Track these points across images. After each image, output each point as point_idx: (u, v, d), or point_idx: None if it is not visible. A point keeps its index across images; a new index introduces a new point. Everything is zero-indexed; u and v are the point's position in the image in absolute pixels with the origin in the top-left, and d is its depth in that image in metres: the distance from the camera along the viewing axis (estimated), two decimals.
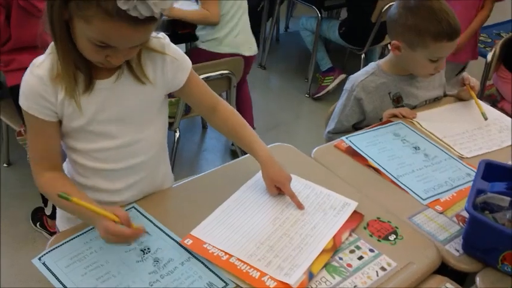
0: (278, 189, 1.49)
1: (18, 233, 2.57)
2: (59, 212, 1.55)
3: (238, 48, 2.95)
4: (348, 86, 2.05)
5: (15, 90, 2.30)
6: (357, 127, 2.07)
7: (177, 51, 1.40)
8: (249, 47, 3.02)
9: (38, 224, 2.57)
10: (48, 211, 2.49)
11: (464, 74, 2.11)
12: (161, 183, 1.52)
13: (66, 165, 1.46)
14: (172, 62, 1.37)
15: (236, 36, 2.94)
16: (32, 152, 1.35)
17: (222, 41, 2.91)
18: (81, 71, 1.25)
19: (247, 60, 2.98)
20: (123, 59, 1.24)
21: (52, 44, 1.25)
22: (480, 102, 2.07)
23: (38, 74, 1.24)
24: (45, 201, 2.49)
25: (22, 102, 1.26)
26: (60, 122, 1.31)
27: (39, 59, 1.26)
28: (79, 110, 1.27)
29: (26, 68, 2.24)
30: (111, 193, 1.42)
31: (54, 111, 1.27)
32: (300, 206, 1.46)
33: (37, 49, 2.23)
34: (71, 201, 1.17)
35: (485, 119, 1.96)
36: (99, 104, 1.29)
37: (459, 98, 2.14)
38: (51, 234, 2.50)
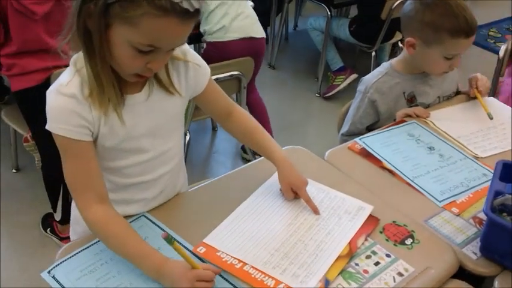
0: (294, 193, 1.47)
1: (29, 238, 2.56)
2: (72, 224, 1.52)
3: (246, 31, 2.87)
4: (361, 87, 2.02)
5: (19, 95, 2.32)
6: (370, 128, 2.05)
7: (197, 56, 1.38)
8: (257, 29, 2.94)
9: (48, 230, 2.56)
10: (57, 217, 2.49)
11: (477, 75, 2.07)
12: (180, 188, 1.51)
13: None
14: (194, 68, 1.36)
15: (242, 20, 2.86)
16: (72, 181, 1.25)
17: (229, 27, 2.84)
18: (113, 86, 1.19)
19: (258, 46, 2.93)
20: (162, 65, 1.21)
21: (76, 60, 1.20)
22: (490, 99, 2.06)
23: (69, 92, 1.17)
24: (54, 207, 2.47)
25: (52, 126, 1.19)
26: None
27: (64, 79, 1.19)
28: (121, 124, 1.23)
29: (28, 73, 2.24)
30: (139, 204, 1.41)
31: (90, 130, 1.22)
32: (315, 211, 1.43)
33: (40, 53, 2.24)
34: (173, 246, 1.14)
35: (491, 118, 1.93)
36: (132, 120, 1.26)
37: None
38: (62, 239, 2.51)
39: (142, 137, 1.30)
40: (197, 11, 1.09)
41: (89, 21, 1.10)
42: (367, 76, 2.05)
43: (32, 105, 2.34)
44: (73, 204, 1.47)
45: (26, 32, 2.19)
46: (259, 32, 2.96)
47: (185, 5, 1.05)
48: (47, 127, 1.20)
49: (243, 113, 1.53)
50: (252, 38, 2.89)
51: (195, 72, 1.36)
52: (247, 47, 2.83)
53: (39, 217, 2.62)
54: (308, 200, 1.45)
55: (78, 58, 1.20)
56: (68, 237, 2.48)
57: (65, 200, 2.45)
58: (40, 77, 2.26)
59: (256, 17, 2.97)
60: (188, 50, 1.36)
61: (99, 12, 1.07)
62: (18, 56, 2.25)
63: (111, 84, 1.18)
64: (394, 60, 2.05)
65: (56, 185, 2.45)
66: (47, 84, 2.25)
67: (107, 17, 1.08)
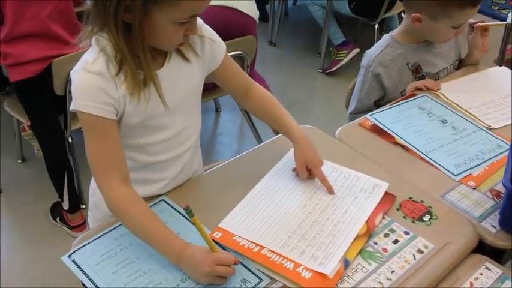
0: (308, 171, 1.44)
1: (39, 228, 2.55)
2: (91, 210, 1.51)
3: (232, 2, 2.59)
4: (364, 62, 2.00)
5: (16, 85, 2.30)
6: (378, 104, 2.02)
7: (212, 32, 1.40)
8: (247, 6, 2.68)
9: (57, 219, 2.55)
10: (65, 206, 2.47)
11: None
12: (196, 168, 1.51)
13: None
14: (210, 43, 1.38)
15: None
16: (95, 160, 1.24)
17: None
18: (140, 65, 1.21)
19: (244, 22, 2.67)
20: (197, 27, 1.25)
21: (98, 39, 1.20)
22: (500, 68, 2.08)
23: (96, 69, 1.18)
24: (61, 196, 2.46)
25: (78, 103, 1.19)
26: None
27: (89, 57, 1.20)
28: (157, 90, 1.25)
29: (22, 63, 2.21)
30: (161, 183, 1.40)
31: (115, 108, 1.22)
32: (330, 190, 1.41)
33: (35, 39, 2.20)
34: (192, 219, 1.14)
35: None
36: (156, 97, 1.26)
37: (468, 61, 2.10)
38: (72, 228, 2.50)
39: (165, 113, 1.30)
40: None
41: (126, 15, 1.13)
42: (369, 50, 2.02)
43: (30, 95, 2.33)
44: (91, 190, 1.46)
45: (25, 13, 2.15)
46: (249, 9, 2.70)
47: None
48: (72, 107, 1.20)
49: (262, 90, 1.53)
50: (237, 11, 2.62)
51: (210, 46, 1.38)
52: (229, 20, 2.57)
53: (47, 207, 2.61)
54: (323, 179, 1.43)
55: (99, 37, 1.21)
56: (78, 226, 2.50)
57: (70, 189, 2.44)
58: (36, 67, 2.23)
59: None
60: (203, 24, 1.36)
61: (140, 5, 1.11)
62: (12, 43, 2.21)
63: (148, 63, 1.21)
64: (394, 32, 2.02)
65: (59, 174, 2.44)
66: (45, 74, 2.22)
67: (146, 7, 1.12)
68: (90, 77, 1.18)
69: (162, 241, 1.20)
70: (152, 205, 1.36)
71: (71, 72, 1.21)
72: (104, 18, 1.15)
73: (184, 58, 1.32)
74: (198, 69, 1.37)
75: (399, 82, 1.97)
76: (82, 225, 2.50)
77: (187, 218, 1.30)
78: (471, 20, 2.03)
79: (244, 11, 2.67)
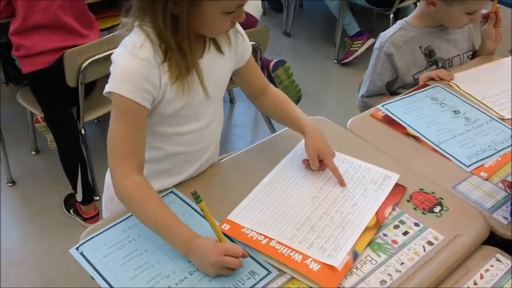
0: (320, 163, 1.43)
1: (52, 220, 2.57)
2: (106, 203, 1.51)
3: None
4: (377, 44, 2.01)
5: (29, 77, 2.31)
6: (391, 90, 2.01)
7: (241, 28, 1.42)
8: (252, 6, 2.74)
9: (71, 211, 2.56)
10: (79, 197, 2.48)
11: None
12: (215, 159, 1.53)
13: None
14: (241, 39, 1.41)
15: None
16: (117, 144, 1.23)
17: None
18: (185, 54, 1.23)
19: (251, 25, 2.68)
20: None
21: (142, 25, 1.21)
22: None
23: (143, 55, 1.18)
24: (74, 187, 2.48)
25: (117, 86, 1.19)
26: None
27: (136, 42, 1.19)
28: (200, 82, 1.28)
29: (34, 55, 2.22)
30: (181, 176, 1.41)
31: (153, 96, 1.23)
32: (341, 182, 1.40)
33: (48, 31, 2.21)
34: (199, 204, 1.14)
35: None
36: (195, 86, 1.28)
37: (483, 52, 2.08)
38: (85, 220, 2.51)
39: (200, 103, 1.32)
40: None
41: (175, 8, 1.15)
42: (383, 33, 2.02)
43: (43, 87, 2.33)
44: (106, 183, 1.46)
45: (37, 3, 2.16)
46: (253, 9, 2.76)
47: None
48: (108, 89, 1.20)
49: (275, 90, 1.56)
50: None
51: (242, 42, 1.41)
52: None
53: (61, 198, 2.63)
54: (334, 169, 1.41)
55: (142, 25, 1.21)
56: (92, 217, 2.51)
57: (84, 180, 2.45)
58: (48, 59, 2.24)
59: None
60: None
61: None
62: (24, 34, 2.22)
63: (193, 53, 1.24)
64: (409, 17, 2.02)
65: (73, 166, 2.45)
66: (57, 66, 2.22)
67: (194, 1, 1.14)
68: (137, 62, 1.18)
69: (171, 231, 1.19)
70: (161, 197, 1.35)
71: (113, 56, 1.21)
72: (150, 12, 1.17)
73: (220, 51, 1.34)
74: (230, 62, 1.39)
75: (412, 65, 1.97)
76: (95, 217, 2.51)
77: (196, 211, 1.31)
78: (484, 11, 2.01)
79: (248, 11, 2.66)
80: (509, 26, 2.99)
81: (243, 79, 1.50)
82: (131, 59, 1.18)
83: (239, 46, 1.40)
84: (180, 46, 1.20)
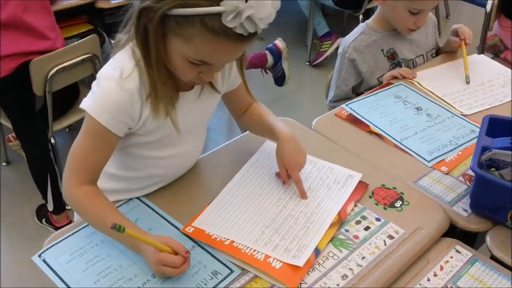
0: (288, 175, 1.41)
1: (25, 231, 2.56)
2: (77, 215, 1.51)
3: None
4: (340, 49, 2.03)
5: None
6: (357, 92, 2.03)
7: None
8: None
9: (43, 221, 2.55)
10: (50, 207, 2.47)
11: (460, 26, 2.04)
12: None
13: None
14: (236, 65, 1.34)
15: None
16: (77, 160, 1.23)
17: None
18: (168, 85, 1.19)
19: None
20: (214, 75, 1.21)
21: (135, 50, 1.16)
22: (479, 56, 2.05)
23: (129, 88, 1.15)
24: (45, 197, 2.46)
25: (97, 111, 1.16)
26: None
27: (125, 67, 1.16)
28: (174, 125, 1.22)
29: None
30: (154, 187, 1.41)
31: (130, 127, 1.22)
32: (303, 195, 1.38)
33: (14, 29, 2.07)
34: (123, 233, 1.08)
35: (467, 82, 1.91)
36: (183, 116, 1.26)
37: (447, 48, 2.11)
38: (57, 229, 2.47)
39: (186, 131, 1.30)
40: (253, 33, 1.05)
41: (148, 26, 1.08)
42: (344, 38, 2.05)
43: (6, 97, 2.26)
44: None
45: None
46: None
47: (239, 30, 1.02)
48: (85, 107, 1.18)
49: (254, 105, 1.52)
50: None
51: (234, 70, 1.35)
52: None
53: (32, 209, 2.62)
54: (297, 182, 1.38)
55: (135, 48, 1.17)
56: (64, 226, 2.48)
57: (54, 190, 2.43)
58: (7, 66, 2.15)
59: None
60: None
61: (157, 22, 1.06)
62: None
63: (166, 85, 1.18)
64: (369, 20, 2.05)
65: (42, 175, 2.43)
66: (19, 73, 2.14)
67: (164, 27, 1.07)
68: (120, 93, 1.15)
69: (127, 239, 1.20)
70: (124, 202, 1.37)
71: (100, 75, 1.18)
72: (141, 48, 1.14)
73: (214, 88, 1.32)
74: (220, 94, 1.38)
75: (375, 68, 1.99)
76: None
77: (160, 214, 1.32)
78: (466, 29, 2.02)
79: None
80: (478, 24, 3.05)
81: (230, 99, 1.48)
82: (115, 88, 1.15)
83: (232, 74, 1.36)
84: (158, 87, 1.17)
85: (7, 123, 2.47)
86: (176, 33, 1.06)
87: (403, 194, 1.40)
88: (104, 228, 1.21)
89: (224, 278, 1.17)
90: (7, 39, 2.13)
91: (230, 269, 1.19)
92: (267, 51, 3.20)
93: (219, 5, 0.99)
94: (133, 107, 1.18)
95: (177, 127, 1.23)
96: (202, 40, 1.05)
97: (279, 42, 3.21)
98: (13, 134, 2.40)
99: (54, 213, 2.49)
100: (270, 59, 3.19)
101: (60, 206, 2.48)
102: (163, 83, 1.17)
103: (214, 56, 1.10)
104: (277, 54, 3.18)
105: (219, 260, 1.21)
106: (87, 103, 1.18)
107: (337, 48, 3.76)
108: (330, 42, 3.87)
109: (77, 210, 1.28)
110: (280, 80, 3.25)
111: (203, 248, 1.24)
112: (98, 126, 1.17)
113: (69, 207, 2.55)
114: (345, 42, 2.01)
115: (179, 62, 1.12)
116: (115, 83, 1.15)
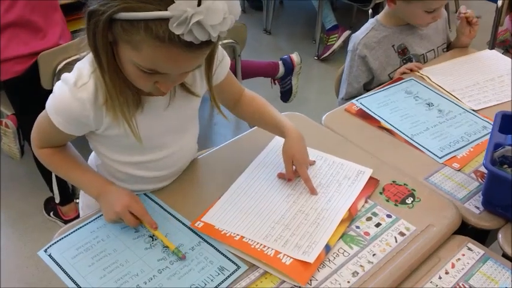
0: (295, 172, 1.40)
1: (34, 224, 2.55)
2: (81, 200, 1.52)
3: None
4: (350, 46, 2.02)
5: (4, 84, 2.18)
6: (368, 89, 2.02)
7: (220, 50, 1.29)
8: None
9: (51, 214, 2.54)
10: (57, 199, 2.46)
11: (462, 7, 2.05)
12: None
13: (99, 167, 1.39)
14: (216, 64, 1.25)
15: None
16: (40, 131, 1.25)
17: None
18: (131, 89, 1.13)
19: None
20: (172, 86, 1.15)
21: (93, 59, 1.09)
22: (491, 52, 2.06)
23: (80, 97, 1.11)
24: (51, 189, 2.45)
25: (52, 112, 1.15)
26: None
27: (83, 74, 1.12)
28: (134, 135, 1.16)
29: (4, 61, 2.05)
30: (149, 187, 1.40)
31: (90, 130, 1.21)
32: (313, 191, 1.37)
33: (13, 32, 2.04)
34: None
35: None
36: (151, 120, 1.23)
37: (458, 43, 2.10)
38: (66, 222, 2.48)
39: (163, 134, 1.28)
40: (208, 41, 0.98)
41: (96, 31, 1.01)
42: (355, 34, 2.03)
43: (18, 96, 2.25)
44: (82, 192, 1.46)
45: None
46: None
47: (188, 37, 0.94)
48: (46, 104, 1.17)
49: (250, 95, 1.49)
50: None
51: (218, 68, 1.30)
52: None
53: (40, 202, 2.61)
54: (306, 180, 1.37)
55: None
56: (72, 219, 2.48)
57: (59, 181, 2.42)
58: (17, 68, 2.13)
59: None
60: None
61: (104, 27, 0.99)
62: None
63: (124, 93, 1.12)
64: (379, 15, 2.03)
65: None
66: (31, 72, 2.13)
67: (111, 32, 1.00)
68: (71, 102, 1.12)
69: (85, 177, 1.28)
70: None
71: (63, 76, 1.14)
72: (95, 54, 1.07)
73: (190, 92, 1.26)
74: (202, 91, 1.31)
75: (386, 64, 1.97)
76: (76, 219, 2.49)
77: (166, 210, 1.31)
78: (463, 8, 2.02)
79: None
80: (489, 19, 3.02)
81: (219, 92, 1.36)
82: (67, 96, 1.12)
83: (215, 73, 1.28)
84: (114, 95, 1.11)
85: (5, 111, 2.47)
86: (123, 40, 1.00)
87: (414, 190, 1.39)
88: (70, 175, 1.32)
89: (231, 274, 1.16)
90: (15, 40, 2.11)
91: (237, 264, 1.18)
92: (280, 61, 3.17)
93: (166, 10, 0.92)
94: (85, 116, 1.14)
95: (138, 136, 1.17)
96: (148, 47, 0.98)
97: (295, 56, 3.18)
98: (9, 120, 2.39)
99: (61, 204, 2.48)
100: (281, 70, 3.16)
101: (66, 197, 2.47)
102: (120, 92, 1.10)
103: (164, 65, 1.02)
104: (289, 67, 3.16)
105: (225, 256, 1.20)
106: (48, 101, 1.17)
107: (344, 42, 3.78)
108: (336, 35, 3.84)
109: (44, 164, 1.33)
110: (286, 95, 3.21)
111: (210, 244, 1.23)
112: (54, 123, 1.17)
113: (77, 200, 2.55)
114: (355, 38, 1.99)
115: (131, 71, 1.06)
116: (68, 89, 1.12)
